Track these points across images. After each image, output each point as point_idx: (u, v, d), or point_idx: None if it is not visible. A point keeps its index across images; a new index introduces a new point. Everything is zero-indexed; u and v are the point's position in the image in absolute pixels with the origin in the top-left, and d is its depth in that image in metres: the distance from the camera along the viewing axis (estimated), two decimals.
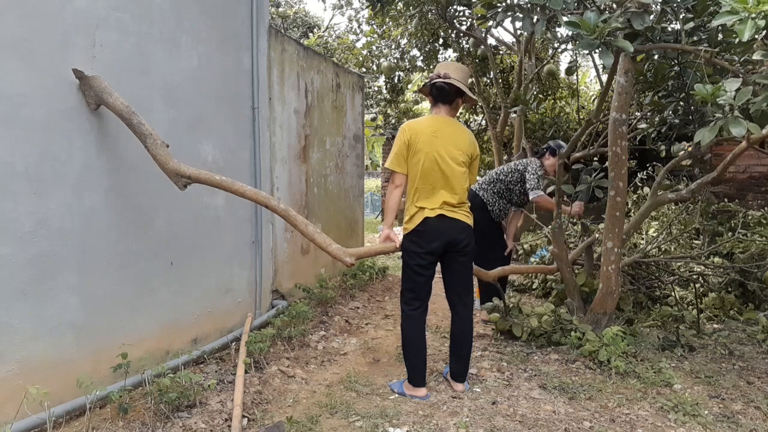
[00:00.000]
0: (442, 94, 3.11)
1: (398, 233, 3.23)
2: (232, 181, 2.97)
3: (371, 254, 3.50)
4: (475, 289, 5.10)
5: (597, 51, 2.72)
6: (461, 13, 8.04)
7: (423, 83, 3.18)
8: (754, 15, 2.21)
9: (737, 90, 2.52)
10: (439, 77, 3.08)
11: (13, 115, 2.48)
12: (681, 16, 3.25)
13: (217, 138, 3.81)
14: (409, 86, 11.08)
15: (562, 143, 4.60)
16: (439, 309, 4.90)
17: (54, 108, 2.65)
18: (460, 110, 12.19)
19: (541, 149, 4.72)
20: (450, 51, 9.31)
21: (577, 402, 3.02)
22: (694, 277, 5.05)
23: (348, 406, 2.96)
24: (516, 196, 4.64)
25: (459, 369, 3.24)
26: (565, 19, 2.92)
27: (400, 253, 3.17)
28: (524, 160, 4.70)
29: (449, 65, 3.18)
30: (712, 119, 2.65)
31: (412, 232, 3.04)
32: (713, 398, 3.07)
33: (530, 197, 4.44)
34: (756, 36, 2.27)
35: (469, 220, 3.14)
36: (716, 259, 5.29)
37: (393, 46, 10.09)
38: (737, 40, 2.31)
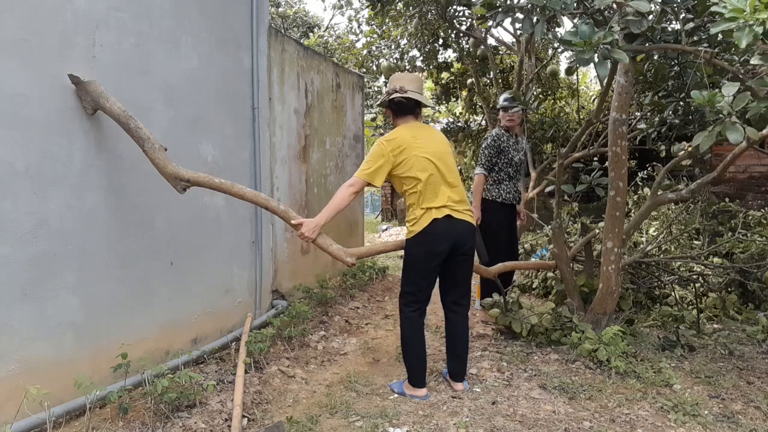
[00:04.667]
0: (402, 108, 3.15)
1: (396, 234, 3.23)
2: (232, 184, 2.96)
3: (372, 254, 3.52)
4: (476, 288, 5.12)
5: (594, 63, 2.72)
6: (461, 13, 8.05)
7: (381, 100, 3.24)
8: (751, 22, 2.20)
9: (735, 95, 2.52)
10: (396, 91, 3.11)
11: (13, 115, 2.48)
12: (681, 17, 3.25)
13: (217, 138, 3.81)
14: None
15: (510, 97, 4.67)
16: (439, 309, 4.88)
17: (54, 108, 2.66)
18: (460, 110, 12.20)
19: (497, 110, 4.85)
20: (450, 51, 9.31)
21: (577, 402, 3.02)
22: (694, 277, 5.04)
23: (348, 406, 2.96)
24: (511, 169, 4.66)
25: (457, 368, 3.24)
26: (560, 22, 2.92)
27: (400, 253, 3.17)
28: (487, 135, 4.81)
29: (404, 77, 3.20)
30: (711, 120, 2.64)
31: (420, 235, 3.00)
32: (713, 398, 3.07)
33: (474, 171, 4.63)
34: (754, 43, 2.27)
35: (473, 220, 3.16)
36: (716, 259, 5.29)
37: (393, 46, 10.10)
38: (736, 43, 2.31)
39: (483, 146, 4.59)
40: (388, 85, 3.22)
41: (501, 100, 4.75)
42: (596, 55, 2.65)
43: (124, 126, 2.83)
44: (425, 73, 10.21)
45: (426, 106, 3.27)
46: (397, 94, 3.11)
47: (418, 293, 3.08)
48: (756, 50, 2.53)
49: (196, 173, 2.93)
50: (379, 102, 3.28)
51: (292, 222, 3.00)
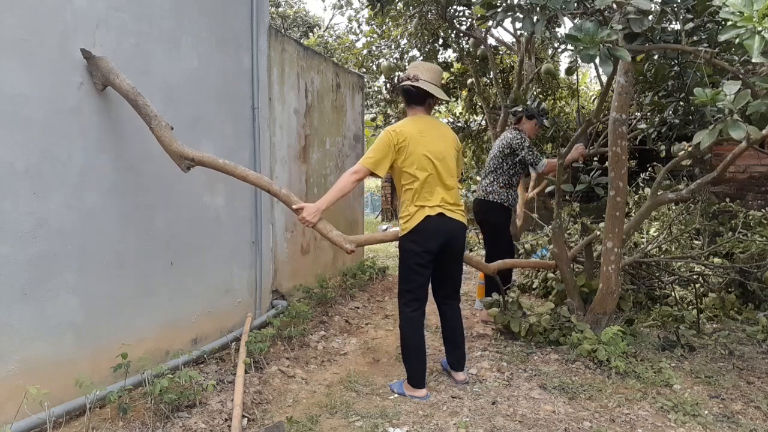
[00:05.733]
0: (411, 96, 3.13)
1: (388, 230, 3.23)
2: (235, 166, 3.00)
3: (371, 242, 3.57)
4: (478, 288, 5.12)
5: (597, 59, 2.72)
6: (461, 13, 8.04)
7: (393, 82, 3.20)
8: (760, 29, 2.19)
9: (736, 93, 2.52)
10: (408, 79, 3.09)
11: (13, 115, 2.48)
12: (681, 17, 3.25)
13: (217, 138, 3.81)
14: None
15: (533, 104, 4.63)
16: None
17: (54, 108, 2.66)
18: (460, 110, 12.17)
19: (518, 114, 4.70)
20: (450, 51, 9.30)
21: (577, 402, 3.02)
22: (694, 277, 5.04)
23: (348, 406, 2.96)
24: (518, 176, 4.66)
25: (457, 358, 3.28)
26: (561, 22, 2.92)
27: (399, 253, 3.18)
28: (504, 139, 4.61)
29: (419, 66, 3.17)
30: (711, 119, 2.65)
31: (412, 231, 3.03)
32: (713, 398, 3.07)
33: (537, 171, 4.46)
34: (764, 49, 2.26)
35: (465, 221, 3.17)
36: (716, 260, 5.29)
37: (393, 46, 10.09)
38: (737, 42, 2.30)
39: (527, 144, 4.43)
40: (405, 72, 3.20)
41: (535, 110, 4.60)
42: (599, 52, 2.65)
43: (132, 102, 2.87)
44: None
45: (439, 100, 3.19)
46: (408, 82, 3.09)
47: (416, 290, 3.08)
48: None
49: (201, 153, 2.96)
50: (392, 87, 3.26)
51: (294, 207, 3.01)
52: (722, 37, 2.36)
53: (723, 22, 2.48)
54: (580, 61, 3.43)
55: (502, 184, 4.57)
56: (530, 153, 4.43)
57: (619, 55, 2.71)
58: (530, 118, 4.58)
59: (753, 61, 2.58)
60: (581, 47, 2.65)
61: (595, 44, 2.61)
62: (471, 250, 7.91)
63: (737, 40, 2.25)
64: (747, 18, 2.21)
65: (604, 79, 3.77)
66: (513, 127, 4.68)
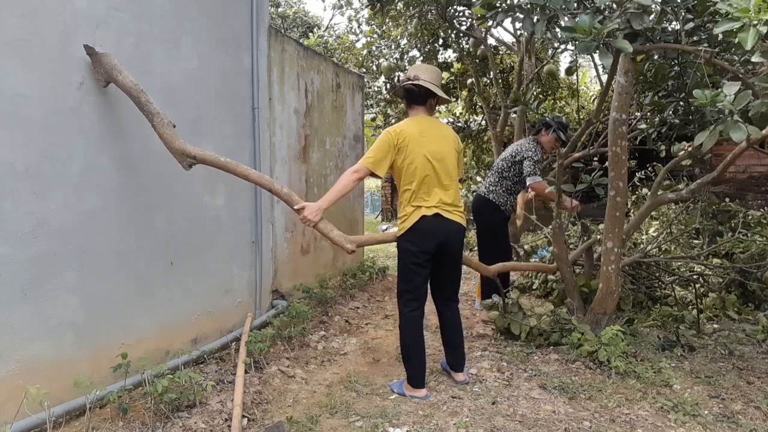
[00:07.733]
0: (412, 96, 3.16)
1: (387, 229, 3.23)
2: (237, 164, 3.00)
3: (372, 242, 3.57)
4: (478, 288, 5.12)
5: (596, 52, 2.72)
6: (461, 13, 8.04)
7: (394, 83, 3.23)
8: (756, 22, 2.19)
9: (736, 94, 2.52)
10: (409, 80, 3.13)
11: (13, 115, 2.48)
12: (681, 17, 3.25)
13: (217, 138, 3.81)
14: None
15: (559, 116, 4.62)
16: None
17: (54, 108, 2.65)
18: (460, 110, 12.17)
19: (538, 125, 4.70)
20: (450, 51, 9.31)
21: (577, 402, 3.02)
22: (695, 277, 5.04)
23: (348, 406, 2.96)
24: (521, 185, 4.67)
25: (457, 359, 3.29)
26: (562, 22, 2.92)
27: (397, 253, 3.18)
28: (518, 146, 4.62)
29: (420, 67, 3.21)
30: (712, 119, 2.64)
31: (409, 231, 3.04)
32: (713, 398, 3.07)
33: (527, 183, 4.43)
34: (760, 42, 2.26)
35: (464, 222, 3.17)
36: (716, 260, 5.29)
37: (393, 46, 10.10)
38: (737, 41, 2.30)
39: (535, 158, 4.41)
40: (405, 75, 3.24)
41: (555, 121, 4.59)
42: (598, 43, 2.64)
43: (135, 99, 2.87)
44: None
45: (441, 99, 3.21)
46: (408, 82, 3.13)
47: (414, 290, 3.08)
48: (756, 48, 2.52)
49: (203, 151, 2.97)
50: (394, 89, 3.28)
51: (295, 207, 3.01)
52: (717, 30, 2.36)
53: (716, 16, 2.47)
54: (578, 55, 3.42)
55: (504, 188, 4.60)
56: (531, 165, 4.39)
57: (619, 47, 2.69)
58: (549, 131, 4.56)
59: (753, 60, 2.58)
60: (578, 39, 2.64)
61: (591, 35, 2.60)
62: (471, 251, 7.90)
63: (736, 35, 2.24)
64: (743, 10, 2.21)
65: (604, 78, 3.77)
66: (532, 137, 4.67)
